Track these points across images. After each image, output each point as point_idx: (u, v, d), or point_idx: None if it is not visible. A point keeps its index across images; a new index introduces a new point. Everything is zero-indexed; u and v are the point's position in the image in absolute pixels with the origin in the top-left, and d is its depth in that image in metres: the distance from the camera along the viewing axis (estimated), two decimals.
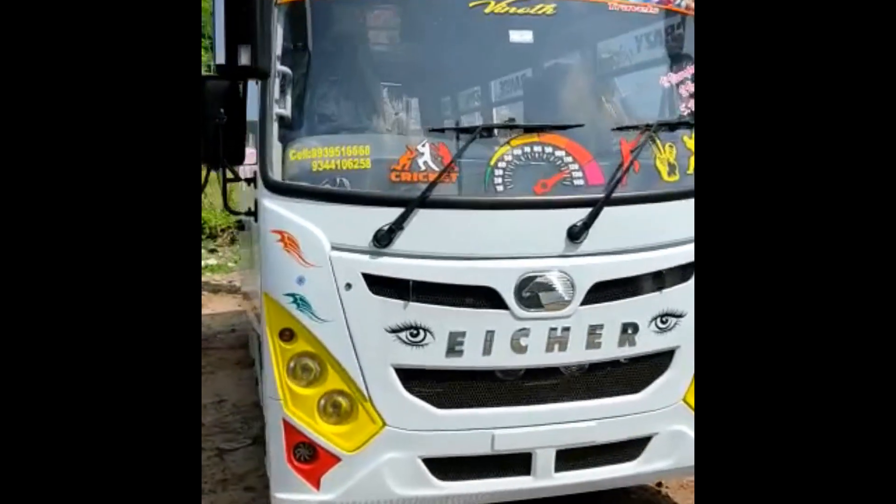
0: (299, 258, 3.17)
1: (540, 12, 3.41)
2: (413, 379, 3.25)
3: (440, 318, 3.20)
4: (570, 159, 3.31)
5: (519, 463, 3.37)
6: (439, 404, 3.27)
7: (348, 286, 3.17)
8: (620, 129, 3.48)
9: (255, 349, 3.98)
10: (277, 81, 3.25)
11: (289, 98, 3.28)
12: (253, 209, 3.51)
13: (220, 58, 3.00)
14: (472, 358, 3.24)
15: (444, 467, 3.30)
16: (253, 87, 3.46)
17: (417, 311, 3.19)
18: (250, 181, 3.49)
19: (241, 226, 4.17)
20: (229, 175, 3.47)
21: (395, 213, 3.16)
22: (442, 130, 3.30)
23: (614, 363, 3.44)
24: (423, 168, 3.22)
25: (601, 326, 3.33)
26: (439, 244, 3.21)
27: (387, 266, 3.17)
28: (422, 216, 3.16)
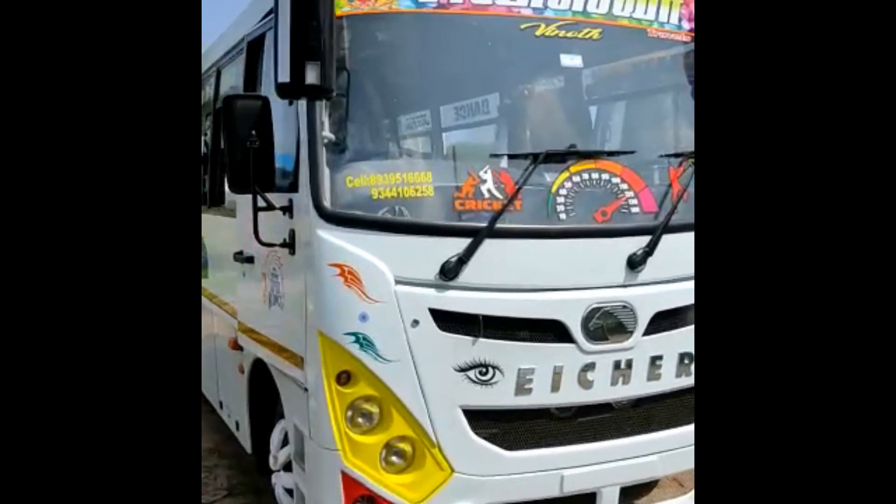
0: (362, 294, 2.91)
1: (587, 37, 3.32)
2: (479, 420, 3.04)
3: (509, 355, 3.02)
4: (625, 186, 3.23)
5: (583, 503, 3.22)
6: (507, 446, 3.08)
7: (415, 323, 2.93)
8: (667, 155, 3.43)
9: (287, 395, 3.63)
10: (325, 102, 2.99)
11: (339, 120, 3.03)
12: (289, 240, 3.21)
13: (284, 75, 2.72)
14: (540, 395, 3.07)
15: None
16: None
17: (486, 348, 3.00)
18: (286, 210, 3.19)
19: (247, 258, 3.80)
20: (261, 203, 3.15)
21: (460, 243, 2.97)
22: (503, 156, 3.13)
23: (667, 394, 3.37)
24: (486, 196, 3.05)
25: (661, 357, 3.25)
26: (506, 276, 3.04)
27: (455, 301, 2.97)
28: (488, 246, 2.98)
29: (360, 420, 2.98)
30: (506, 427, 3.09)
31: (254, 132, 3.07)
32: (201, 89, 5.68)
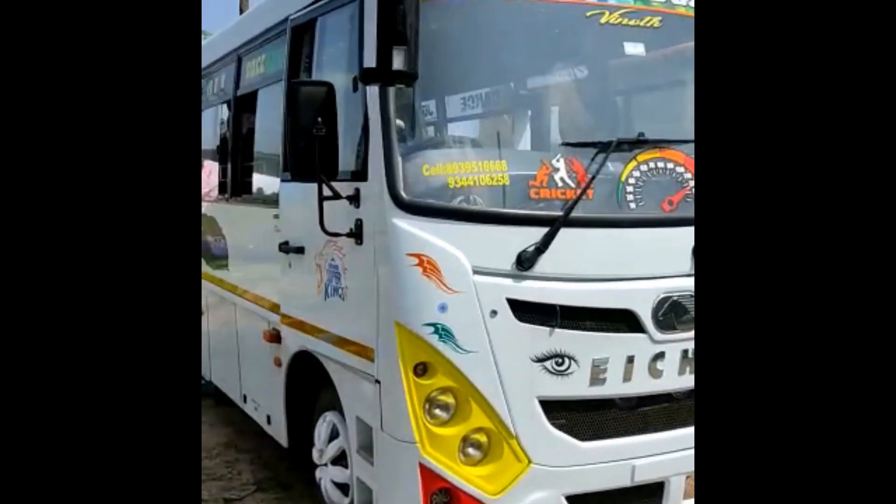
0: (441, 284, 2.86)
1: (648, 25, 3.32)
2: (554, 411, 3.02)
3: (584, 345, 3.01)
4: (689, 175, 3.23)
5: (651, 493, 3.22)
6: (581, 437, 3.06)
7: (493, 313, 2.90)
8: None
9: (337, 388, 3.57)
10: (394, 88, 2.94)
11: (410, 107, 2.98)
12: (355, 230, 3.15)
13: (370, 61, 2.66)
14: (613, 385, 3.06)
15: (583, 503, 3.10)
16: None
17: (563, 339, 2.98)
18: (352, 199, 3.12)
19: (296, 249, 3.73)
20: (327, 192, 3.08)
21: (535, 232, 2.94)
22: (576, 144, 3.11)
23: None
24: (560, 184, 3.03)
25: None
26: (579, 265, 3.02)
27: (533, 290, 2.94)
28: (561, 235, 2.96)
29: (436, 412, 2.94)
30: (579, 417, 3.07)
31: (320, 119, 3.01)
32: (212, 79, 5.57)
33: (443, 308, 2.87)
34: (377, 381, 3.07)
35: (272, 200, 4.22)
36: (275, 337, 4.22)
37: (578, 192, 3.00)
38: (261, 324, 4.44)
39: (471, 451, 2.97)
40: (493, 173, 2.98)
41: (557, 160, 3.04)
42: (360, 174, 3.12)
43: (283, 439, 4.33)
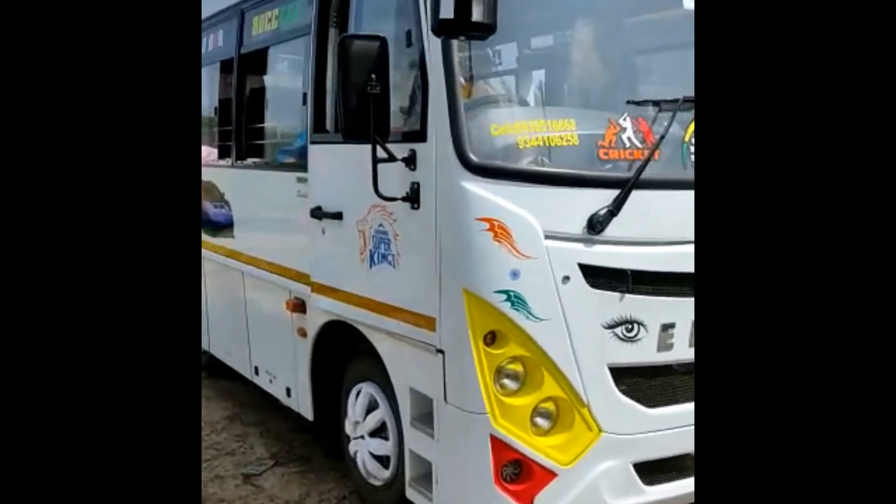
0: (513, 249, 2.75)
1: None
2: (622, 378, 2.95)
3: (653, 310, 2.94)
4: None
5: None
6: (648, 404, 3.00)
7: (566, 279, 2.80)
8: None
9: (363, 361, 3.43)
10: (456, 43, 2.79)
11: (470, 63, 2.83)
12: (411, 194, 3.00)
13: (447, 11, 2.50)
14: (680, 351, 3.00)
15: (650, 470, 3.04)
16: None
17: (632, 304, 2.90)
18: (408, 161, 2.97)
19: (332, 214, 3.56)
20: (381, 153, 2.92)
21: (605, 195, 2.84)
22: (641, 103, 3.00)
23: None
24: (627, 144, 2.92)
25: None
26: (647, 228, 2.94)
27: (604, 255, 2.85)
28: (631, 198, 2.86)
29: (505, 381, 2.85)
30: (643, 384, 3.01)
31: (374, 76, 2.84)
32: (205, 37, 5.29)
33: (515, 274, 2.76)
34: (439, 351, 2.95)
35: (293, 164, 4.03)
36: (299, 306, 4.06)
37: (646, 152, 2.90)
38: (279, 293, 4.26)
39: (539, 420, 2.88)
40: (562, 132, 2.86)
41: (624, 119, 2.93)
42: (417, 134, 2.97)
43: (307, 412, 4.19)
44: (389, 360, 3.35)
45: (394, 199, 3.01)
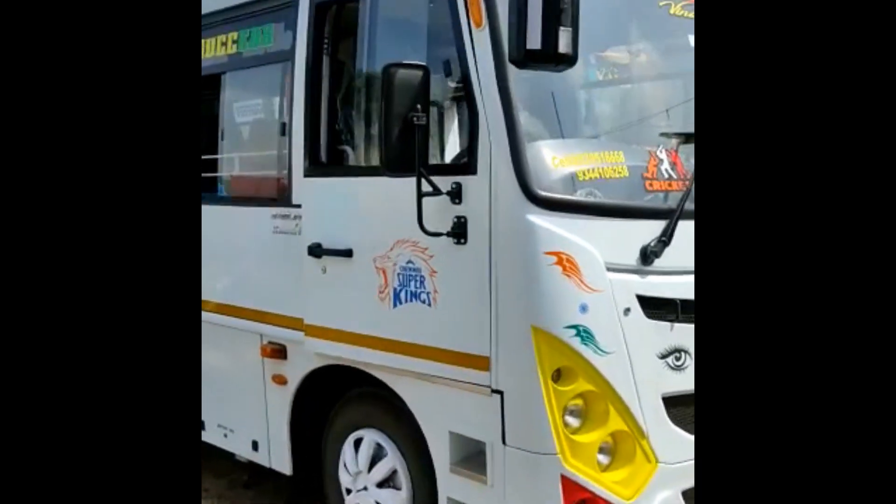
0: (581, 283, 2.71)
1: None
2: (670, 407, 2.97)
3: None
4: None
5: None
6: (691, 430, 3.03)
7: (627, 311, 2.79)
8: None
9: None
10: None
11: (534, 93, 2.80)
12: (455, 229, 2.88)
13: (534, 42, 2.43)
14: None
15: (689, 496, 3.07)
16: None
17: (681, 333, 2.93)
18: (454, 195, 2.84)
19: (339, 252, 3.34)
20: (426, 187, 2.78)
21: (654, 226, 2.87)
22: (674, 135, 3.06)
23: None
24: (665, 176, 2.98)
25: None
26: (689, 257, 2.98)
27: (657, 285, 2.87)
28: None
29: (568, 418, 2.78)
30: (688, 411, 3.04)
31: (419, 106, 2.73)
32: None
33: (583, 308, 2.71)
34: (495, 392, 2.83)
35: (270, 199, 3.76)
36: (277, 352, 3.77)
37: (685, 183, 2.97)
38: (245, 339, 3.94)
39: (600, 456, 2.83)
40: (614, 164, 2.86)
41: (660, 150, 2.98)
42: (464, 167, 2.86)
43: (283, 466, 3.88)
44: (416, 404, 3.18)
45: (438, 235, 2.87)
